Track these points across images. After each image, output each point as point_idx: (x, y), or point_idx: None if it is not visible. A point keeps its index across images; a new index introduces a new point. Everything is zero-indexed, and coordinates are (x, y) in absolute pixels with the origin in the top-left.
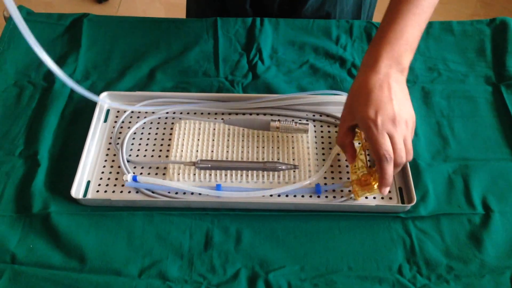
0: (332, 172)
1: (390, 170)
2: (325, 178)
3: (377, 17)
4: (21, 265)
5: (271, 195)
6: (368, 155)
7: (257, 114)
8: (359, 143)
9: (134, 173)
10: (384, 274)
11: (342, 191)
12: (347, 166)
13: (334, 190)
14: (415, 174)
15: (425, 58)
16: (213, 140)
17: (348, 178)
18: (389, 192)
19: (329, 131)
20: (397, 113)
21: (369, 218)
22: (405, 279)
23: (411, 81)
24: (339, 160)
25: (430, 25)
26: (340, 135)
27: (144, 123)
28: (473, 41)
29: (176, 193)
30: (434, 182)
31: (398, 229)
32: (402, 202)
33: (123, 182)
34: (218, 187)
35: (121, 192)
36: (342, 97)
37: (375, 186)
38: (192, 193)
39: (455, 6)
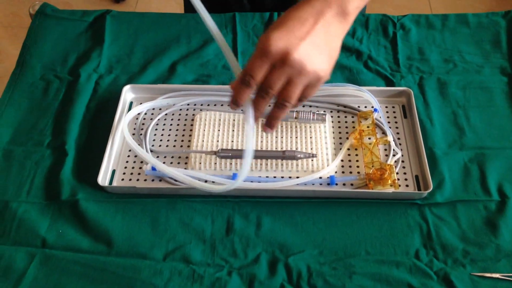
0: (349, 160)
1: (242, 92)
2: (342, 166)
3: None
4: (51, 249)
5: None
6: (385, 149)
7: None
8: (369, 138)
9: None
10: (402, 258)
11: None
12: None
13: (344, 184)
14: (432, 162)
15: (441, 50)
16: (233, 130)
17: (358, 172)
18: (406, 180)
19: (346, 122)
20: (297, 54)
21: (386, 205)
22: (422, 263)
23: (427, 72)
24: (356, 149)
25: (445, 17)
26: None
27: (166, 114)
28: (489, 33)
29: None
30: (450, 170)
31: (415, 215)
32: (419, 189)
33: None
34: (234, 176)
35: (145, 180)
36: (359, 89)
37: (389, 181)
38: (213, 181)
39: (470, 1)
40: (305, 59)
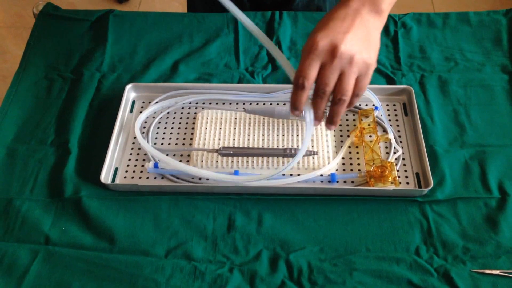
0: (350, 158)
1: (299, 96)
2: (343, 164)
3: None
4: (55, 246)
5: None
6: (386, 147)
7: (277, 103)
8: (370, 136)
9: (159, 160)
10: (402, 255)
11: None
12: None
13: (345, 182)
14: (432, 160)
15: (442, 48)
16: (235, 128)
17: (359, 170)
18: (406, 177)
19: (347, 119)
20: (344, 46)
21: (387, 202)
22: (422, 260)
23: (428, 71)
24: (357, 147)
25: (447, 16)
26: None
27: (168, 112)
28: (490, 31)
29: (200, 178)
30: (451, 168)
31: (415, 212)
32: (419, 187)
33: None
34: (236, 173)
35: (147, 178)
36: None
37: (390, 178)
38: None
39: (473, 1)
40: (352, 49)
